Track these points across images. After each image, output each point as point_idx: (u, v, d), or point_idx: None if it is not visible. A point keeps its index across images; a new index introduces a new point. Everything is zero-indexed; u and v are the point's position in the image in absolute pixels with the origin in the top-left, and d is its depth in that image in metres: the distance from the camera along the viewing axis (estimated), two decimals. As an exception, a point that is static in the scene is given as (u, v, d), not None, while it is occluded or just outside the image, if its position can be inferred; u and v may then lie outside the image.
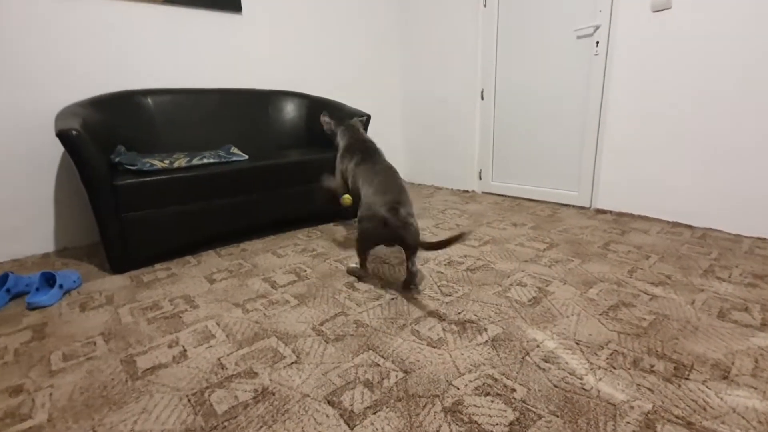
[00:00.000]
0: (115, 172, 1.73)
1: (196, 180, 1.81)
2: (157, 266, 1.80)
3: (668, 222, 2.11)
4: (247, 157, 2.05)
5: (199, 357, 1.11)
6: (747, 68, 1.77)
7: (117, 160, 1.80)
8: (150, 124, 2.19)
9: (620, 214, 2.28)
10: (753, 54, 1.74)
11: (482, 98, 2.87)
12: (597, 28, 2.20)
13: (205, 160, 1.90)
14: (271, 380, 0.99)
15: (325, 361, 1.06)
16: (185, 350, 1.14)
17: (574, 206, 2.50)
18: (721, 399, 0.87)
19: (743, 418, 0.81)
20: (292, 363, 1.05)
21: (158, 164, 1.78)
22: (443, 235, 2.05)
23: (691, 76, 1.92)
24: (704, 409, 0.84)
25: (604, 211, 2.35)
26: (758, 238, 1.83)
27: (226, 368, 1.05)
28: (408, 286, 1.45)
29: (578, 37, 2.29)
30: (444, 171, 3.26)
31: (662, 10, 1.95)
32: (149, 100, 2.21)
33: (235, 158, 2.00)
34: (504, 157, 2.84)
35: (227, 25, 2.48)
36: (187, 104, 2.31)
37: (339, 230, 2.20)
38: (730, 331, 1.11)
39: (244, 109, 2.47)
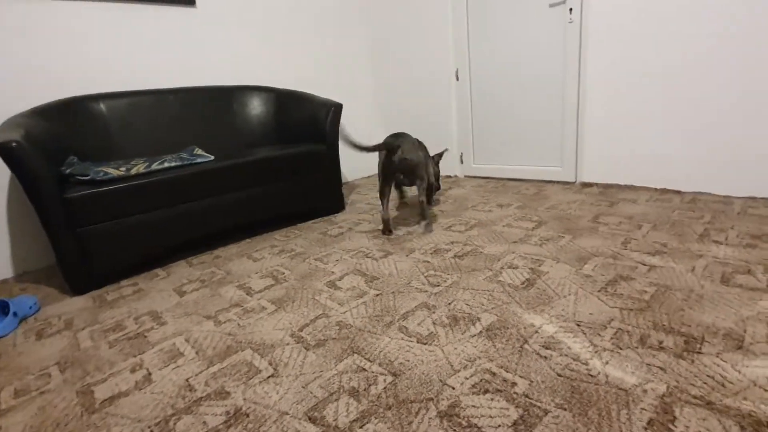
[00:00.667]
0: (67, 185, 1.58)
1: (157, 186, 1.67)
2: (123, 282, 1.66)
3: (656, 189, 2.05)
4: (212, 157, 1.92)
5: (165, 380, 0.99)
6: (726, 29, 1.70)
7: (68, 171, 1.65)
8: (104, 130, 2.03)
9: (607, 186, 2.22)
10: (732, 16, 1.68)
11: (457, 78, 2.77)
12: (569, -6, 2.11)
13: (166, 164, 1.76)
14: (245, 399, 0.88)
15: (305, 371, 0.95)
16: (149, 373, 1.02)
17: (559, 182, 2.43)
18: (739, 372, 0.79)
19: (766, 390, 0.74)
20: (269, 377, 0.94)
21: (113, 172, 1.64)
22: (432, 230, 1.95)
23: (671, 40, 1.85)
24: (723, 386, 0.76)
25: (590, 184, 2.29)
26: (749, 198, 1.78)
27: (195, 390, 0.93)
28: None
29: (551, 5, 2.21)
30: (424, 158, 3.16)
31: (634, -31, 1.88)
32: (102, 106, 2.05)
33: (199, 160, 1.87)
34: (484, 138, 2.75)
35: (181, 19, 2.32)
36: (144, 107, 2.15)
37: (319, 227, 2.09)
38: (737, 297, 1.04)
39: (207, 108, 2.32)
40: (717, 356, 0.84)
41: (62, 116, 1.90)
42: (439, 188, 2.31)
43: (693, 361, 0.83)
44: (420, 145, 1.96)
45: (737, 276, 1.14)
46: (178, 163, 1.79)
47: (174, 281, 1.61)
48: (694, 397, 0.75)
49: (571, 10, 2.12)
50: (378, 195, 1.88)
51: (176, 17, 2.31)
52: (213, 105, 2.34)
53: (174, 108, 2.23)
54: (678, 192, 1.97)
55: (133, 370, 1.05)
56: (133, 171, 1.68)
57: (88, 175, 1.59)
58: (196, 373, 1.00)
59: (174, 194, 1.72)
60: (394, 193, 2.41)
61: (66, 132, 1.88)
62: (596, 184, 2.26)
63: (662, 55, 1.89)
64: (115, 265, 1.64)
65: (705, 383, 0.77)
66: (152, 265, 1.80)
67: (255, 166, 1.93)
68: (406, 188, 1.95)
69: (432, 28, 2.78)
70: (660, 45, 1.89)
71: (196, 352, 1.08)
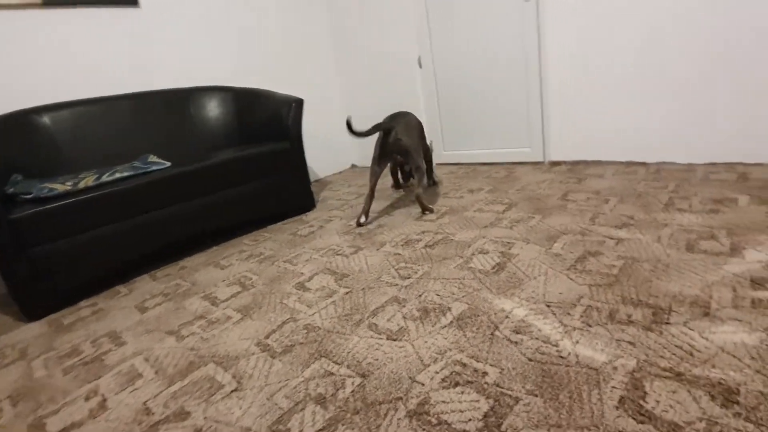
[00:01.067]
0: (12, 205, 1.48)
1: (109, 199, 1.58)
2: (82, 303, 1.57)
3: (622, 162, 2.07)
4: (169, 164, 1.83)
5: (121, 405, 0.92)
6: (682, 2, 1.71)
7: (11, 190, 1.54)
8: (51, 144, 1.91)
9: (575, 163, 2.22)
10: (680, -25, 1.68)
11: (420, 66, 2.73)
12: (523, -28, 2.09)
13: (118, 175, 1.66)
14: (206, 418, 0.83)
15: (270, 381, 0.90)
16: (105, 400, 0.96)
17: (528, 163, 2.43)
18: (707, 339, 0.78)
19: (734, 356, 0.73)
20: (232, 391, 0.89)
21: (59, 188, 1.54)
22: (398, 216, 1.91)
23: (624, 11, 1.85)
24: (691, 355, 0.75)
25: (558, 163, 2.29)
26: (710, 164, 1.81)
27: (153, 413, 0.88)
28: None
29: (506, -15, 2.18)
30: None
31: (585, -58, 1.86)
32: (46, 118, 1.92)
33: (154, 167, 1.77)
34: (452, 124, 2.72)
35: (125, 21, 2.20)
36: (92, 116, 2.03)
37: (289, 228, 2.03)
38: (702, 263, 1.04)
39: (162, 113, 2.21)
40: (685, 325, 0.83)
41: (2, 133, 1.78)
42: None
43: (661, 333, 0.83)
44: (417, 126, 2.02)
45: (701, 242, 1.15)
46: (131, 173, 1.69)
47: (136, 297, 1.52)
48: (664, 369, 0.73)
49: (526, -12, 2.10)
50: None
51: (118, 19, 2.18)
52: (168, 109, 2.23)
53: (125, 115, 2.11)
54: (643, 163, 1.99)
55: (87, 398, 0.98)
56: (81, 185, 1.58)
57: (31, 193, 1.49)
58: (155, 394, 0.94)
59: (129, 206, 1.63)
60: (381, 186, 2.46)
61: (8, 149, 1.76)
62: (564, 162, 2.27)
63: (618, 29, 1.89)
64: (72, 285, 1.55)
65: (674, 354, 0.76)
66: (113, 282, 1.71)
67: (216, 170, 1.85)
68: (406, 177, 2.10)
69: (393, 15, 2.72)
70: (615, 20, 1.89)
71: (156, 372, 1.02)
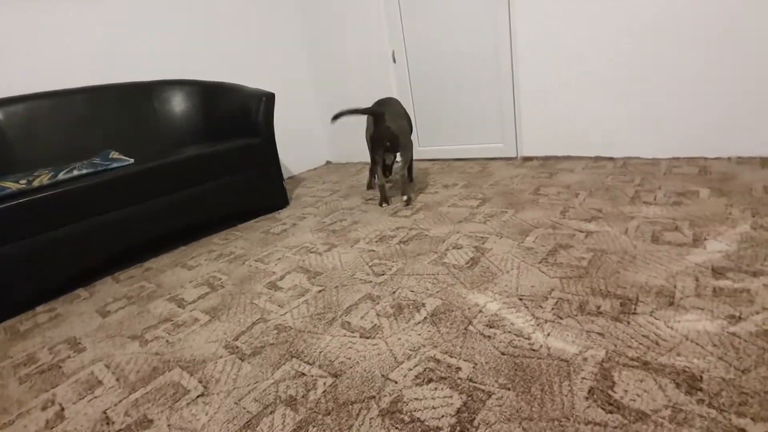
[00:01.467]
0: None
1: (65, 198, 1.49)
2: (39, 309, 1.48)
3: (591, 158, 2.12)
4: (131, 161, 1.74)
5: (79, 415, 0.87)
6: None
7: (-44, 190, 1.43)
8: (1, 141, 1.79)
9: (546, 158, 2.26)
10: (644, -26, 1.73)
11: (394, 61, 2.71)
12: (494, -32, 2.10)
13: (76, 173, 1.58)
14: (169, 426, 0.79)
15: (238, 384, 0.87)
16: (62, 409, 0.90)
17: (502, 158, 2.45)
18: (672, 328, 0.80)
19: (697, 344, 0.75)
20: (198, 396, 0.86)
21: (11, 186, 1.44)
22: (373, 212, 1.90)
23: (593, 9, 1.89)
24: (657, 344, 0.77)
25: (530, 158, 2.32)
26: (673, 158, 1.87)
27: (113, 422, 0.83)
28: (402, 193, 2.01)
29: (478, -19, 2.18)
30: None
31: (554, -60, 1.88)
32: (-5, 113, 1.80)
33: (115, 164, 1.69)
34: (427, 120, 2.72)
35: (87, 9, 2.08)
36: (48, 111, 1.92)
37: (261, 225, 1.98)
38: (667, 254, 1.07)
39: (124, 107, 2.11)
40: (651, 315, 0.85)
41: (-55, 128, 1.65)
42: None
43: (629, 323, 0.84)
44: (405, 114, 1.99)
45: (666, 233, 1.18)
46: (90, 170, 1.60)
47: (97, 302, 1.45)
48: (631, 359, 0.75)
49: (498, -16, 2.11)
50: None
51: (80, 7, 2.06)
52: (130, 103, 2.13)
53: (84, 109, 2.00)
54: (611, 158, 2.04)
55: (44, 408, 0.92)
56: (36, 183, 1.49)
57: (-22, 193, 1.39)
58: (116, 402, 0.89)
59: (88, 205, 1.55)
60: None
61: (-48, 146, 1.64)
62: (536, 158, 2.30)
63: (587, 29, 1.93)
64: (28, 290, 1.46)
65: (641, 344, 0.78)
66: (73, 286, 1.62)
67: (183, 167, 1.78)
68: (389, 164, 2.01)
69: (365, 10, 2.69)
70: (584, 20, 1.92)
71: (117, 379, 0.97)
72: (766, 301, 0.83)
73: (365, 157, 3.17)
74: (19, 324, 1.39)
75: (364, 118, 3.01)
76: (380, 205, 1.93)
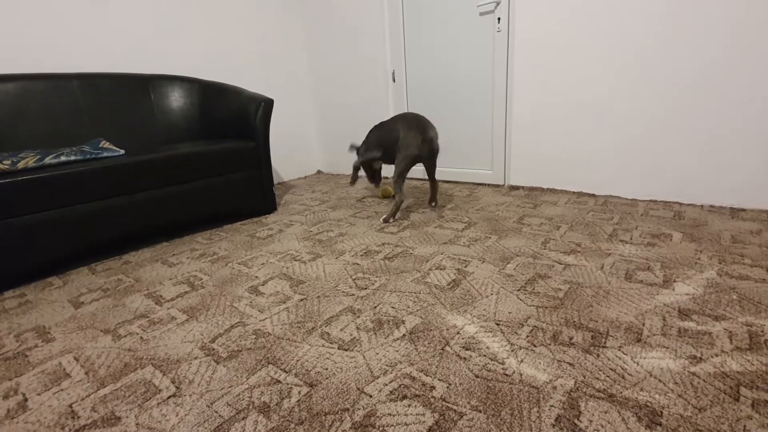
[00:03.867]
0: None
1: (50, 183, 1.47)
2: (8, 293, 1.44)
3: (574, 192, 2.19)
4: (122, 152, 1.73)
5: (43, 407, 0.85)
6: (639, 41, 1.86)
7: (-65, 164, 1.40)
8: (-12, 118, 1.75)
9: (531, 189, 2.33)
10: (641, 26, 1.84)
11: (394, 80, 2.78)
12: (497, 4, 2.19)
13: (63, 158, 1.55)
14: (138, 425, 0.78)
15: (212, 387, 0.87)
16: (25, 399, 0.88)
17: (490, 185, 2.52)
18: (638, 364, 0.84)
19: (660, 381, 0.79)
20: (169, 397, 0.85)
21: (-6, 166, 1.41)
22: (360, 226, 1.92)
23: (587, 52, 1.99)
24: (623, 378, 0.80)
25: (517, 187, 2.39)
26: (651, 201, 1.96)
27: (79, 417, 0.81)
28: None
29: (481, 14, 2.28)
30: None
31: (555, -15, 1.99)
32: (-15, 89, 1.77)
33: (105, 154, 1.67)
34: (420, 140, 2.78)
35: (89, -3, 2.08)
36: (39, 92, 1.89)
37: (247, 229, 1.97)
38: (638, 292, 1.12)
39: (120, 97, 2.10)
40: (619, 349, 0.89)
41: (-70, 99, 1.62)
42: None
43: (598, 356, 0.88)
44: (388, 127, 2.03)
45: (638, 272, 1.24)
46: (79, 157, 1.58)
47: (70, 291, 1.42)
48: (598, 390, 0.78)
49: (499, 19, 2.21)
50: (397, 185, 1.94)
51: (83, -5, 2.06)
52: (127, 94, 2.12)
53: (78, 95, 1.98)
54: (593, 195, 2.12)
55: (6, 397, 0.89)
56: (21, 165, 1.46)
57: (-41, 169, 1.36)
58: (83, 397, 0.87)
59: (73, 192, 1.52)
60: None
61: (-65, 118, 1.60)
62: (522, 187, 2.37)
63: (578, 69, 2.02)
64: (-3, 273, 1.42)
65: (608, 376, 0.81)
66: (46, 273, 1.58)
67: (176, 163, 1.77)
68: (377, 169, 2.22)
69: (368, 30, 2.76)
70: (577, 56, 2.02)
71: (86, 373, 0.95)
72: (725, 345, 0.88)
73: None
74: (-15, 308, 1.35)
75: (359, 131, 3.05)
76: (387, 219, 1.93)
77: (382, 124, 2.08)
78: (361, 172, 3.09)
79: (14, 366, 1.01)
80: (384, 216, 1.97)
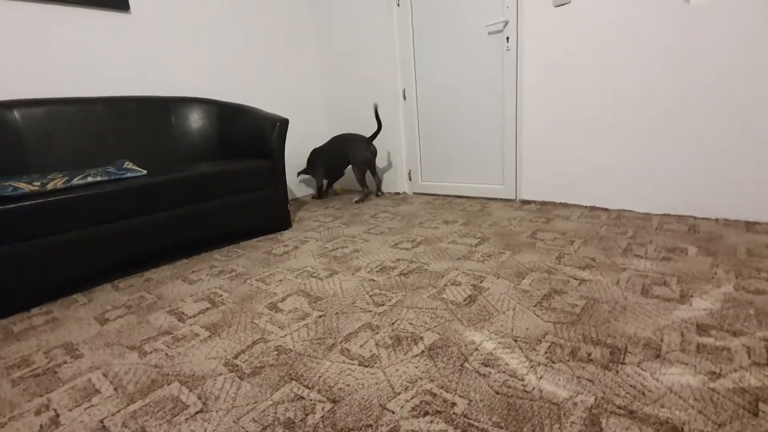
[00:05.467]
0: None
1: (77, 203, 1.53)
2: (35, 311, 1.49)
3: (587, 207, 2.20)
4: (144, 172, 1.80)
5: (75, 422, 0.88)
6: (643, 55, 1.89)
7: (-30, 186, 1.47)
8: (18, 142, 1.84)
9: (543, 203, 2.35)
10: (648, 41, 1.87)
11: (404, 98, 2.84)
12: (506, 23, 2.25)
13: (90, 179, 1.62)
14: (167, 439, 0.80)
15: (237, 403, 0.89)
16: (57, 415, 0.91)
17: (501, 199, 2.54)
18: (657, 380, 0.85)
19: (680, 397, 0.79)
20: (197, 413, 0.87)
21: (25, 187, 1.48)
22: (374, 242, 1.95)
23: (595, 68, 2.03)
24: (643, 394, 0.81)
25: (528, 202, 2.41)
26: (664, 215, 1.96)
27: (110, 432, 0.84)
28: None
29: (490, 33, 2.33)
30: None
31: (563, 5, 2.04)
32: (16, 114, 1.86)
33: (129, 174, 1.74)
34: (432, 156, 2.82)
35: (113, 25, 2.18)
36: (67, 116, 1.98)
37: (263, 246, 2.01)
38: (655, 307, 1.13)
39: (142, 120, 2.18)
40: (638, 366, 0.90)
41: (-34, 125, 1.70)
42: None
43: (618, 372, 0.88)
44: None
45: (655, 287, 1.24)
46: (104, 178, 1.65)
47: (95, 308, 1.46)
48: (619, 407, 0.78)
49: (508, 38, 2.26)
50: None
51: (108, 22, 2.17)
52: (149, 116, 2.21)
53: (103, 118, 2.07)
54: (605, 209, 2.13)
55: (38, 413, 0.93)
56: (50, 186, 1.53)
57: (-7, 191, 1.42)
58: (113, 412, 0.90)
59: (99, 212, 1.58)
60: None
61: (-30, 142, 1.68)
62: (534, 202, 2.39)
63: (588, 81, 2.06)
64: (26, 291, 1.47)
65: (628, 393, 0.82)
66: (71, 291, 1.63)
67: (195, 183, 1.83)
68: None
69: (381, 50, 2.84)
70: (586, 72, 2.05)
71: (115, 389, 0.98)
72: (743, 360, 0.88)
73: (367, 183, 3.25)
74: (13, 325, 1.39)
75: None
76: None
77: (322, 148, 2.90)
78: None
79: (44, 382, 1.04)
80: (356, 199, 2.84)
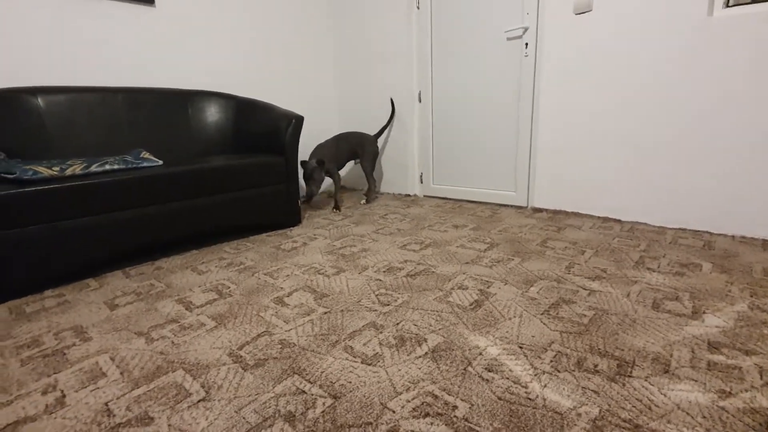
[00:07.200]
0: (-10, 183, 1.44)
1: (94, 189, 1.56)
2: (47, 293, 1.52)
3: (599, 217, 2.17)
4: (161, 162, 1.82)
5: (80, 403, 0.89)
6: (663, 67, 1.86)
7: (-8, 168, 1.51)
8: (40, 127, 1.88)
9: (555, 212, 2.32)
10: (669, 53, 1.84)
11: (420, 101, 2.83)
12: (525, 29, 2.24)
13: (107, 167, 1.65)
14: (169, 426, 0.81)
15: (240, 394, 0.89)
16: (63, 396, 0.92)
17: (512, 206, 2.52)
18: (665, 395, 0.83)
19: (688, 414, 0.77)
20: (199, 401, 0.88)
21: (45, 172, 1.51)
22: (383, 242, 1.95)
23: (613, 78, 2.00)
24: (650, 409, 0.79)
25: (540, 210, 2.38)
26: (679, 229, 1.92)
27: (114, 415, 0.85)
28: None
29: (508, 39, 2.32)
30: (384, 175, 3.18)
31: (584, 12, 2.02)
32: (39, 100, 1.90)
33: (145, 164, 1.76)
34: (444, 159, 2.82)
35: (138, 18, 2.23)
36: (88, 104, 2.02)
37: (272, 240, 2.02)
38: (666, 322, 1.11)
39: (160, 111, 2.22)
40: (646, 380, 0.88)
41: (-9, 109, 1.75)
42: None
43: (624, 385, 0.87)
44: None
45: (666, 302, 1.22)
46: (122, 166, 1.68)
47: (106, 293, 1.48)
48: (624, 420, 0.77)
49: (526, 44, 2.25)
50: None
51: (133, 15, 2.21)
52: (167, 108, 2.24)
53: (123, 108, 2.11)
54: (618, 221, 2.10)
55: (44, 392, 0.94)
56: (68, 171, 1.56)
57: (14, 173, 1.46)
58: (118, 396, 0.91)
59: (114, 199, 1.61)
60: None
61: (-6, 126, 1.73)
62: (546, 210, 2.36)
63: (606, 90, 2.03)
64: (40, 273, 1.50)
65: (634, 406, 0.80)
66: (83, 275, 1.66)
67: (209, 175, 1.85)
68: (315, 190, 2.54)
69: (398, 52, 2.84)
70: (604, 80, 2.03)
71: (121, 373, 0.99)
72: (755, 380, 0.85)
73: (378, 184, 3.26)
74: (26, 305, 1.42)
75: (383, 147, 3.12)
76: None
77: (328, 143, 2.69)
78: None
79: (53, 363, 1.06)
80: (363, 201, 2.86)
